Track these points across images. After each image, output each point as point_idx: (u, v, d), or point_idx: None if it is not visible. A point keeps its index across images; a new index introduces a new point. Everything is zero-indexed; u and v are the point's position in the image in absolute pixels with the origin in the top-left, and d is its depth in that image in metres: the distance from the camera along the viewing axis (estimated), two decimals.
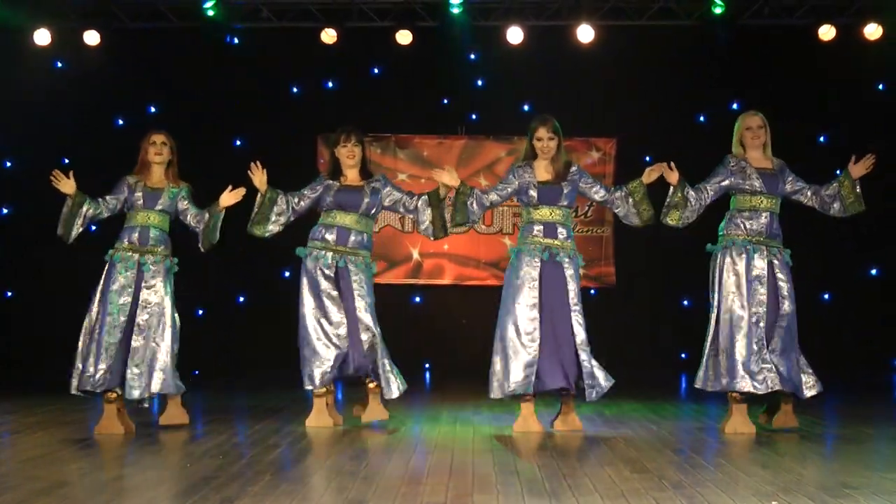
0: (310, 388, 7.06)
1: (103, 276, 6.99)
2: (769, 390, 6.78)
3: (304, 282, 7.13)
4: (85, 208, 7.00)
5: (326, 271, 7.08)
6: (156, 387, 6.87)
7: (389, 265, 11.46)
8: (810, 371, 6.92)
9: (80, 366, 6.89)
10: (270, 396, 8.74)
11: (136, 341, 6.87)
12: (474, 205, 7.07)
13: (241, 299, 11.43)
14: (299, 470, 5.50)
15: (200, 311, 11.16)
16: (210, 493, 4.80)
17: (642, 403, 8.45)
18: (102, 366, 6.80)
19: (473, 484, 5.09)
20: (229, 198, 7.08)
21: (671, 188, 7.02)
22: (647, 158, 11.60)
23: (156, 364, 6.89)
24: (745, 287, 6.87)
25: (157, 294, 6.96)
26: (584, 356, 6.85)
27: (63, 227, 7.01)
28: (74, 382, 6.90)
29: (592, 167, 11.36)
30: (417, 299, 11.46)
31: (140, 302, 6.93)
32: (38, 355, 11.07)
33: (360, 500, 4.71)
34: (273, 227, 7.15)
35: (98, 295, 6.96)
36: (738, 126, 7.07)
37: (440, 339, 11.33)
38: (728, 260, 6.93)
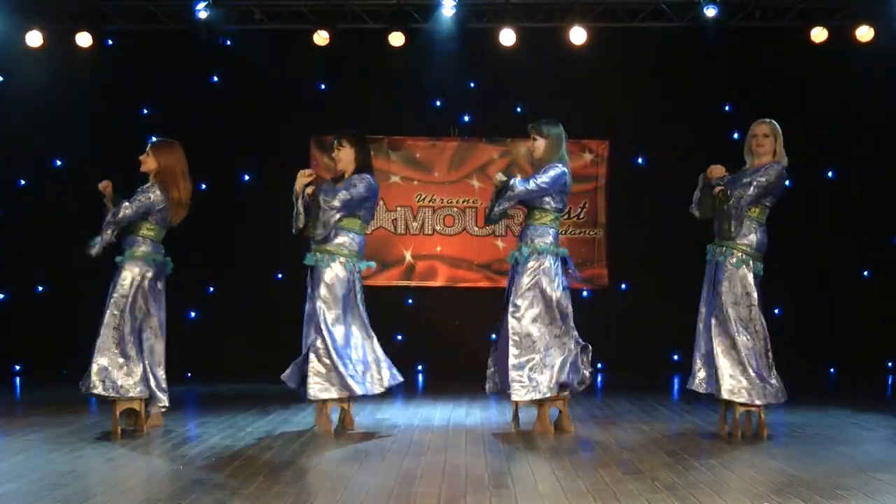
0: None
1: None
2: (706, 392, 6.88)
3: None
4: None
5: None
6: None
7: (382, 267, 11.44)
8: (740, 377, 6.69)
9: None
10: (264, 398, 8.74)
11: None
12: (505, 203, 7.06)
13: (235, 301, 11.39)
14: (292, 472, 5.50)
15: (193, 314, 11.14)
16: (203, 495, 4.81)
17: (635, 405, 8.46)
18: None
19: (466, 486, 5.09)
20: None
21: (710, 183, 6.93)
22: (640, 160, 11.64)
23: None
24: (705, 289, 6.97)
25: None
26: (510, 358, 6.84)
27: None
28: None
29: (585, 169, 11.37)
30: (410, 301, 11.44)
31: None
32: (37, 355, 11.04)
33: (354, 501, 4.71)
34: (301, 226, 7.24)
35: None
36: (748, 134, 6.97)
37: (433, 341, 11.30)
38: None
